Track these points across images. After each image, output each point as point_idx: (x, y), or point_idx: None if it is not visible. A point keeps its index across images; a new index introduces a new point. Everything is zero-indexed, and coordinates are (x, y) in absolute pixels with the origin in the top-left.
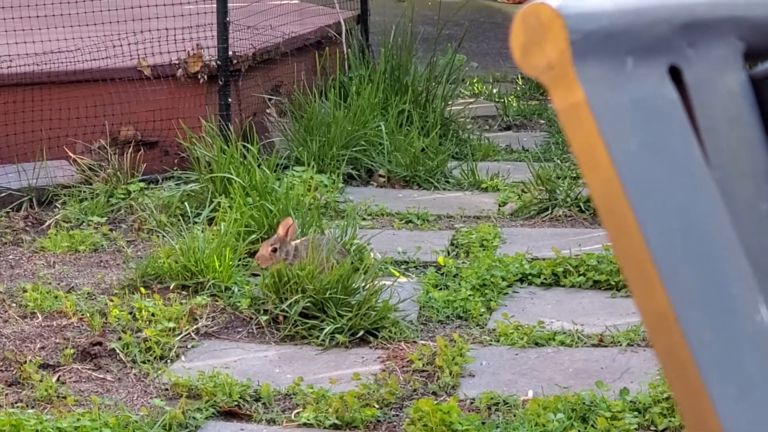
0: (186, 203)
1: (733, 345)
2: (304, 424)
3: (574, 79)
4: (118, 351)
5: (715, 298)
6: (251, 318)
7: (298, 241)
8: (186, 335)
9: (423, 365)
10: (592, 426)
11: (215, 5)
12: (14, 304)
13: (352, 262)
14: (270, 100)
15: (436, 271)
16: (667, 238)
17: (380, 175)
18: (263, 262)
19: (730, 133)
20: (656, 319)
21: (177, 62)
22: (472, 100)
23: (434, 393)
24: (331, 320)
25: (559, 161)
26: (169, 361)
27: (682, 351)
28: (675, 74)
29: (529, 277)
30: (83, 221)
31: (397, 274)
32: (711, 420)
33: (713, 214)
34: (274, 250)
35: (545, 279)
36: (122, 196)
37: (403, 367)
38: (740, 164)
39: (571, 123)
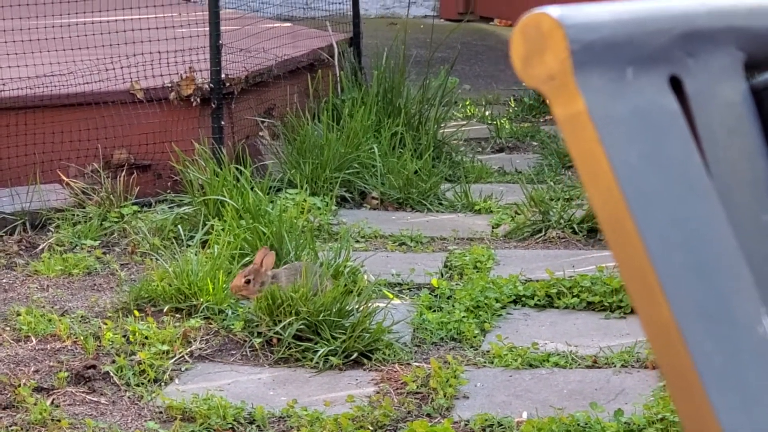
0: (179, 226)
1: (735, 356)
2: None
3: (574, 89)
4: (112, 374)
5: (717, 310)
6: (245, 340)
7: (279, 269)
8: (180, 358)
9: (417, 387)
10: None
11: (207, 28)
12: (8, 328)
13: (345, 285)
14: (263, 122)
15: (429, 293)
16: (669, 249)
17: (373, 198)
18: (236, 291)
19: (731, 144)
20: (659, 331)
21: (170, 85)
22: (464, 122)
23: (428, 415)
24: (325, 342)
25: (552, 183)
26: (163, 383)
27: (685, 362)
28: (675, 84)
29: (523, 299)
30: (77, 245)
31: (391, 296)
32: (714, 431)
33: (715, 224)
34: (248, 282)
35: (539, 300)
36: (115, 219)
37: (397, 389)
38: (741, 174)
39: (571, 133)
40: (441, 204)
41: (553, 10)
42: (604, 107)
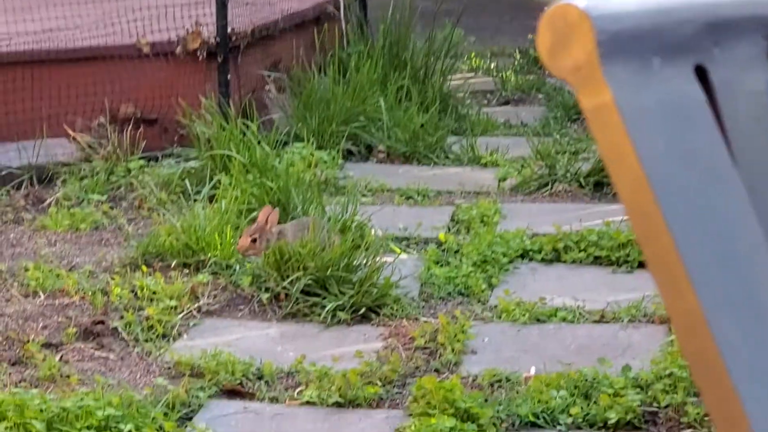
0: (186, 181)
1: (762, 347)
2: (307, 402)
3: (601, 79)
4: (120, 330)
5: (744, 300)
6: (253, 296)
7: (286, 224)
8: (188, 313)
9: (425, 342)
10: (595, 403)
11: None
12: (16, 283)
13: (353, 239)
14: (269, 76)
15: (437, 248)
16: (696, 239)
17: (380, 151)
18: (244, 251)
19: (756, 132)
20: (686, 321)
21: (176, 39)
22: (470, 75)
23: (437, 370)
24: (333, 297)
25: (558, 136)
26: (171, 339)
27: (712, 352)
28: (701, 74)
29: (530, 253)
30: (84, 199)
31: (398, 250)
32: (741, 421)
33: (740, 214)
34: (254, 240)
35: (546, 255)
36: (122, 173)
37: (405, 344)
38: (766, 163)
39: (598, 124)
40: (447, 157)
41: (580, 1)
42: (630, 98)
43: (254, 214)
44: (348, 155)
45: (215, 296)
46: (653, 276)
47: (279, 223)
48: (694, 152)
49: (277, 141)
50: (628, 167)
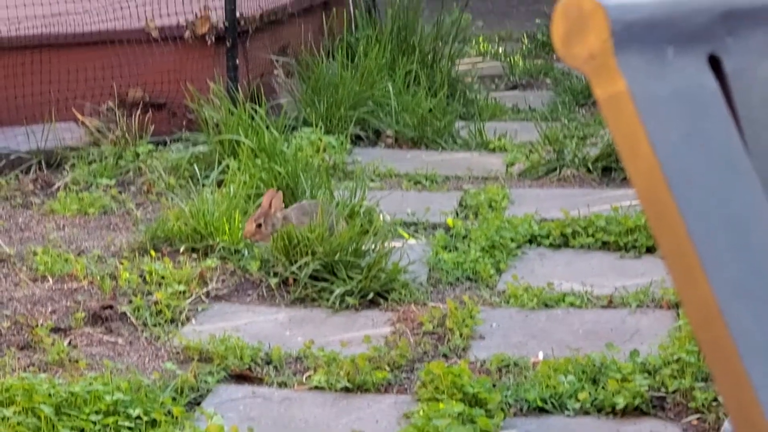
0: (195, 165)
1: None
2: (316, 387)
3: (615, 69)
4: (128, 314)
5: (757, 288)
6: (261, 281)
7: (288, 208)
8: (196, 298)
9: (433, 327)
10: (603, 388)
11: None
12: (25, 267)
13: (361, 224)
14: (277, 61)
15: (445, 233)
16: (709, 228)
17: (388, 136)
18: (250, 237)
19: None
20: (700, 310)
21: (185, 24)
22: (478, 59)
23: (445, 355)
24: (341, 282)
25: (566, 121)
26: (179, 324)
27: (726, 341)
28: (714, 63)
29: (538, 238)
30: (92, 183)
31: (407, 235)
32: (754, 409)
33: (754, 203)
34: (259, 225)
35: (554, 240)
36: (131, 158)
37: (413, 329)
38: None
39: (612, 113)
40: (455, 142)
41: None
42: (644, 87)
43: (261, 199)
44: (356, 140)
45: (224, 281)
46: (667, 264)
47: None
48: (708, 141)
49: (285, 126)
50: (642, 156)
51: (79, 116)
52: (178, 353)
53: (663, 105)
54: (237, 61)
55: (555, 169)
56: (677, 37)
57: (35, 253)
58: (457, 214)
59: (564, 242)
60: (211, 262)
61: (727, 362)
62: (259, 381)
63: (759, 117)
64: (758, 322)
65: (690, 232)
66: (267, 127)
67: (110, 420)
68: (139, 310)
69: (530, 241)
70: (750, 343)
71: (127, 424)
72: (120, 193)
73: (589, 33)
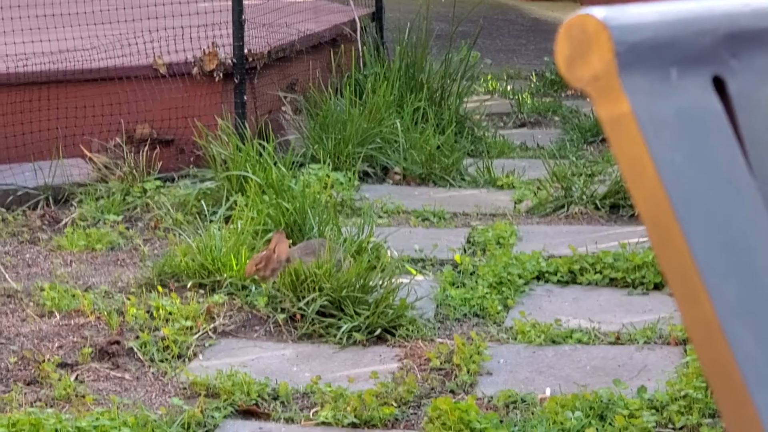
0: (202, 201)
1: None
2: (323, 423)
3: (619, 90)
4: (135, 350)
5: (760, 310)
6: (268, 316)
7: (293, 248)
8: (203, 334)
9: (440, 363)
10: (610, 424)
11: (230, 3)
12: (32, 303)
13: (369, 260)
14: (285, 98)
15: (452, 269)
16: (713, 250)
17: (396, 173)
18: (249, 276)
19: None
20: (702, 330)
21: (193, 60)
22: (486, 97)
23: (452, 391)
24: (349, 318)
25: (574, 158)
26: (186, 359)
27: (728, 361)
28: (719, 85)
29: (546, 275)
30: (99, 220)
31: (414, 272)
32: (756, 430)
33: (759, 226)
34: (259, 269)
35: (562, 277)
36: (138, 194)
37: (420, 365)
38: None
39: (616, 134)
40: (463, 179)
41: (598, 12)
42: (648, 108)
43: (269, 235)
44: (364, 177)
45: (231, 317)
46: (670, 286)
47: (294, 244)
48: (712, 163)
49: (293, 162)
50: (646, 177)
51: (87, 152)
52: (185, 389)
53: (667, 126)
54: (245, 98)
55: (563, 206)
56: (681, 58)
57: (42, 289)
58: (465, 250)
59: (572, 279)
60: (219, 297)
61: (729, 383)
62: (266, 416)
63: (763, 139)
64: (760, 343)
65: (693, 253)
66: (275, 164)
67: None
68: (146, 346)
69: (538, 278)
70: (753, 364)
71: None
72: (127, 229)
73: (593, 54)
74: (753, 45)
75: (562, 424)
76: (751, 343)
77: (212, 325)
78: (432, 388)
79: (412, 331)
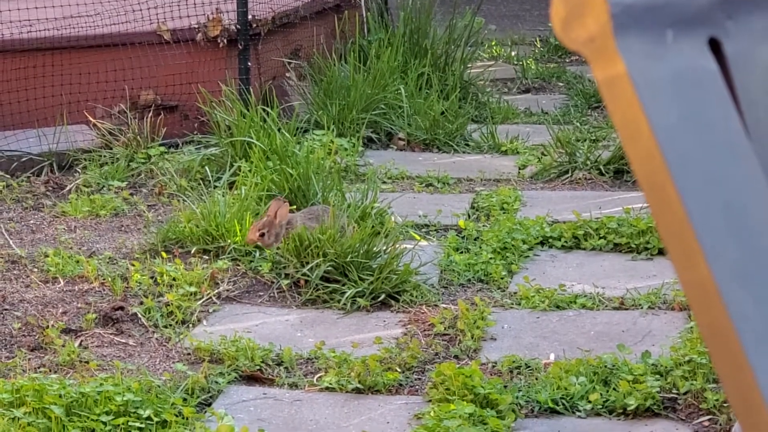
0: (206, 167)
1: None
2: (327, 388)
3: (614, 51)
4: (139, 315)
5: (757, 272)
6: (272, 282)
7: (295, 213)
8: (207, 299)
9: (444, 329)
10: (614, 389)
11: None
12: (36, 269)
13: (373, 226)
14: (289, 63)
15: (456, 235)
16: (709, 210)
17: (400, 139)
18: (252, 244)
19: None
20: (698, 293)
21: (197, 26)
22: (491, 62)
23: (456, 356)
24: (353, 284)
25: (578, 124)
26: (190, 325)
27: (725, 324)
28: (714, 46)
29: (550, 240)
30: (104, 186)
31: (418, 237)
32: (753, 392)
33: (753, 186)
34: (262, 235)
35: (566, 242)
36: (142, 160)
37: (424, 330)
38: None
39: (611, 95)
40: (467, 145)
41: None
42: (644, 70)
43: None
44: (368, 143)
45: (235, 282)
46: (666, 247)
47: (299, 209)
48: (708, 124)
49: (297, 128)
50: (641, 138)
51: (91, 119)
52: (188, 354)
53: (662, 87)
54: (249, 64)
55: (567, 171)
56: (677, 19)
57: (46, 255)
58: (469, 215)
59: (576, 244)
60: (223, 263)
61: (726, 346)
62: (270, 382)
63: (759, 100)
64: (757, 304)
65: (689, 214)
66: (279, 130)
67: (121, 420)
68: (150, 312)
69: (542, 243)
70: (749, 325)
71: (137, 424)
72: (131, 195)
73: (588, 15)
74: (749, 6)
75: (566, 389)
76: (749, 305)
77: (216, 291)
78: (436, 354)
79: (416, 296)
